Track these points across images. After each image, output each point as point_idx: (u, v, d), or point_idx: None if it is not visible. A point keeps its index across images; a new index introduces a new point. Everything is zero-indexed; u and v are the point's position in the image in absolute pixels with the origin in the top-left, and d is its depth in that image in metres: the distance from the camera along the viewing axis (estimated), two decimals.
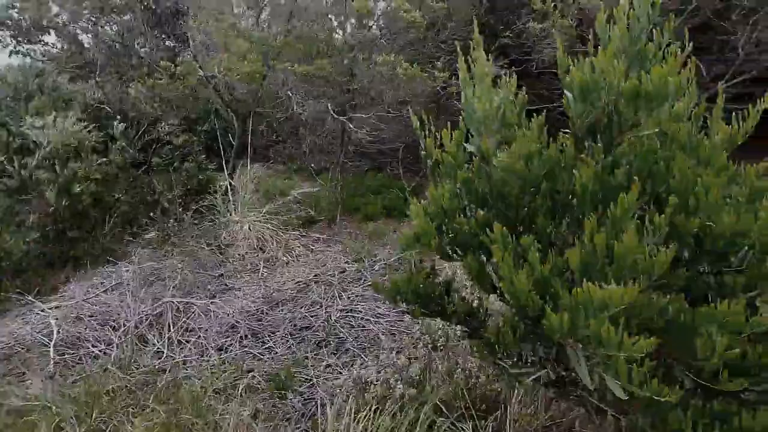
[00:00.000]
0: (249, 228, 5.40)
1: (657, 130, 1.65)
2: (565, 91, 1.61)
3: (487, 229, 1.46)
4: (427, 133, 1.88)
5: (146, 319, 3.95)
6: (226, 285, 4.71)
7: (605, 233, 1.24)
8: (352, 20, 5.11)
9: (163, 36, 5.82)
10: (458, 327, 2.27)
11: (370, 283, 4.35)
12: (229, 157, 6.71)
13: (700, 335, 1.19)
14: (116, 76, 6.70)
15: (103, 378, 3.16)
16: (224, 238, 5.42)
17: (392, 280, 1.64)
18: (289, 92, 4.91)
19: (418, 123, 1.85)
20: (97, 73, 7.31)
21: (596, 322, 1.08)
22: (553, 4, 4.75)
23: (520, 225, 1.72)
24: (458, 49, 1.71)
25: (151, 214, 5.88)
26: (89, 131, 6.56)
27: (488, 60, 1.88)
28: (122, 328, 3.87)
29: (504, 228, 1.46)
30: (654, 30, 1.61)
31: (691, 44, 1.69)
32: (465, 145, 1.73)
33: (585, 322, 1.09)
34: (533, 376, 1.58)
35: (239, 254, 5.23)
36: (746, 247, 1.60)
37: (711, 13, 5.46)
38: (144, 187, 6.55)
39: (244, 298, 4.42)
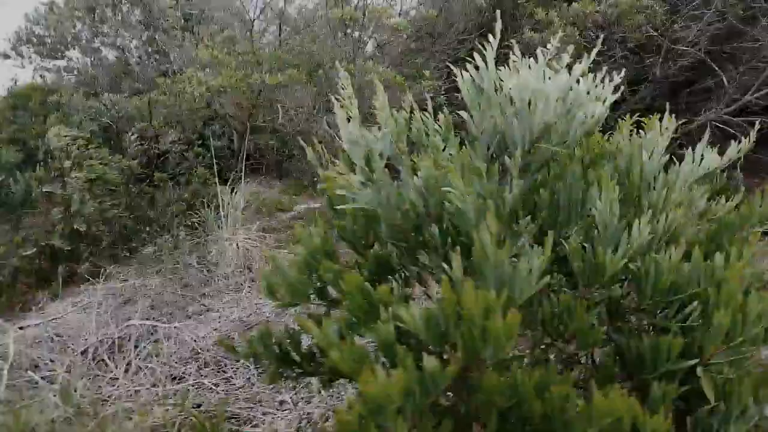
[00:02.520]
0: (237, 246, 5.21)
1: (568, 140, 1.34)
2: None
3: (340, 280, 1.17)
4: (323, 162, 1.61)
5: (107, 342, 3.79)
6: (204, 306, 4.52)
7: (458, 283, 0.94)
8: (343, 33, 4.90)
9: (159, 52, 5.77)
10: None
11: None
12: (231, 173, 6.60)
13: None
14: (120, 92, 6.70)
15: (37, 409, 2.98)
16: (213, 255, 5.25)
17: (249, 337, 1.36)
18: (279, 105, 4.72)
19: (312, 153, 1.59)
20: (107, 89, 7.37)
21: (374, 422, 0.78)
22: (555, 13, 4.41)
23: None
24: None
25: (147, 229, 5.79)
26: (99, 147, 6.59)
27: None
28: (84, 351, 3.72)
29: (361, 276, 1.17)
30: None
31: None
32: (352, 176, 1.45)
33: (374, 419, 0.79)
34: None
35: (225, 273, 5.04)
36: (688, 299, 1.26)
37: (736, 18, 5.00)
38: (145, 203, 6.50)
39: (219, 320, 4.21)
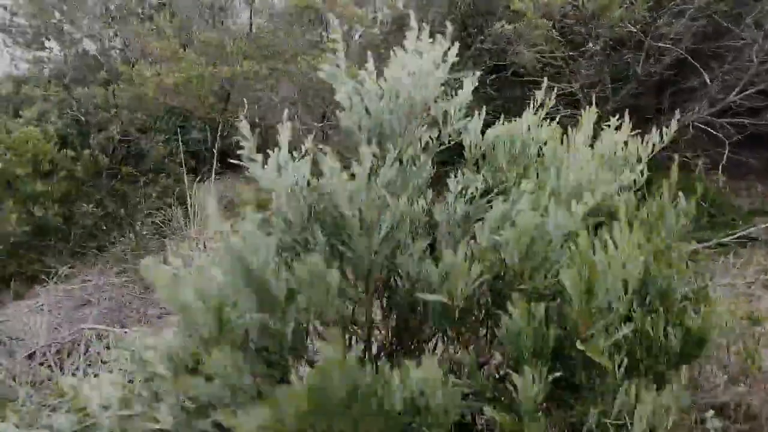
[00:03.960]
0: (204, 245, 5.03)
1: None
2: None
3: None
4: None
5: (56, 346, 3.62)
6: (164, 309, 4.34)
7: None
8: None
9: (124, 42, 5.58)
10: None
11: None
12: (206, 169, 6.42)
13: None
14: (89, 83, 6.50)
15: None
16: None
17: None
18: (244, 100, 4.54)
19: None
20: (79, 80, 7.15)
21: None
22: (532, 4, 4.23)
23: None
24: None
25: (106, 227, 5.63)
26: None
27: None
28: (31, 356, 3.55)
29: None
30: None
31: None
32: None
33: None
34: None
35: None
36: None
37: (721, 16, 4.82)
38: (115, 200, 6.31)
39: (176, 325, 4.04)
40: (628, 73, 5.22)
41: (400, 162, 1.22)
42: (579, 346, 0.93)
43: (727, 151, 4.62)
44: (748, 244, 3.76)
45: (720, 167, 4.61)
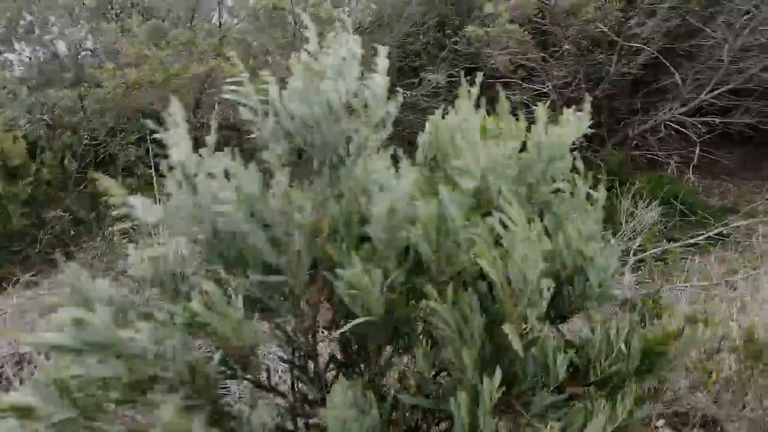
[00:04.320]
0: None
1: None
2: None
3: None
4: None
5: (17, 355, 3.48)
6: None
7: None
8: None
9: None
10: None
11: None
12: None
13: None
14: (56, 86, 6.35)
15: None
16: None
17: None
18: (216, 101, 4.46)
19: None
20: (47, 83, 6.98)
21: None
22: (503, 7, 4.19)
23: None
24: None
25: (74, 232, 5.51)
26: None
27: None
28: None
29: None
30: None
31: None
32: None
33: None
34: None
35: None
36: None
37: (695, 16, 4.84)
38: (83, 204, 6.15)
39: None
40: (602, 73, 5.23)
41: (334, 167, 1.16)
42: (505, 329, 0.89)
43: (698, 150, 4.63)
44: (718, 243, 3.76)
45: (691, 166, 4.63)
